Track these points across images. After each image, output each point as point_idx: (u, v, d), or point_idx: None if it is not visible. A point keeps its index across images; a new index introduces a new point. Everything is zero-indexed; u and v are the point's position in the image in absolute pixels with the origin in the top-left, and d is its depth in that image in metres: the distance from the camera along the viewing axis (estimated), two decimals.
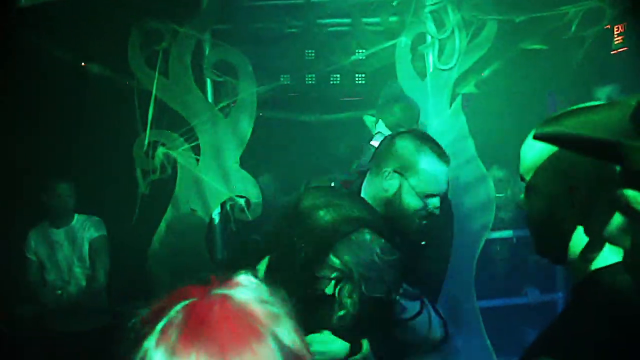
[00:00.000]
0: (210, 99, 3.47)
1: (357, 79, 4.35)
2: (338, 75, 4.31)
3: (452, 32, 3.73)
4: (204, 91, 3.45)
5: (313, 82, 4.29)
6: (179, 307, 0.82)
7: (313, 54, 4.24)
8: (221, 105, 3.42)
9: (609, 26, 4.19)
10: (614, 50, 4.69)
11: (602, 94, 4.11)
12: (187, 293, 0.85)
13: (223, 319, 0.80)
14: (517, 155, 1.22)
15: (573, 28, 3.49)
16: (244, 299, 0.84)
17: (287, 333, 0.83)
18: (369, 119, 4.24)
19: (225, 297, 0.84)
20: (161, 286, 3.25)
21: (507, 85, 4.31)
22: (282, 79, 4.27)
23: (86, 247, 3.63)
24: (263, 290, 0.88)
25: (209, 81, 3.48)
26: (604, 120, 0.79)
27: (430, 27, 3.76)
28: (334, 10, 4.00)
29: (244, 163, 3.46)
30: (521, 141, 1.27)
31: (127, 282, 3.48)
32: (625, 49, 4.63)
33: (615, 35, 4.62)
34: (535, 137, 0.86)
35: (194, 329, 0.78)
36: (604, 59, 4.58)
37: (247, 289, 0.87)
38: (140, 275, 3.41)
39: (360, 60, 4.20)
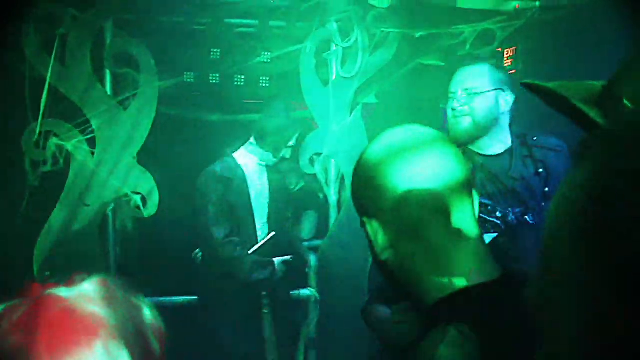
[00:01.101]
0: (109, 91, 3.36)
1: (261, 81, 4.35)
2: (243, 77, 4.29)
3: (356, 41, 3.85)
4: (102, 82, 3.34)
5: (217, 81, 4.24)
6: (2, 306, 0.80)
7: (219, 53, 4.21)
8: (120, 98, 3.32)
9: (500, 49, 4.46)
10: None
11: None
12: (23, 292, 0.83)
13: (47, 320, 0.78)
14: None
15: (467, 47, 3.70)
16: (74, 300, 0.82)
17: (116, 337, 0.81)
18: None
19: (54, 298, 0.82)
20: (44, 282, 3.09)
21: (406, 97, 4.50)
22: (185, 76, 4.19)
23: None
24: (98, 292, 0.86)
25: (108, 72, 3.37)
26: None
27: (335, 35, 3.85)
28: (242, 11, 4.00)
29: (141, 159, 3.38)
30: None
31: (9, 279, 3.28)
32: (513, 71, 4.97)
33: (505, 58, 4.94)
34: (522, 84, 0.92)
35: (17, 329, 0.76)
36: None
37: (81, 290, 0.85)
38: (23, 273, 3.23)
39: (265, 63, 4.23)
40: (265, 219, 3.63)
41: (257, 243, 3.49)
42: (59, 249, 3.10)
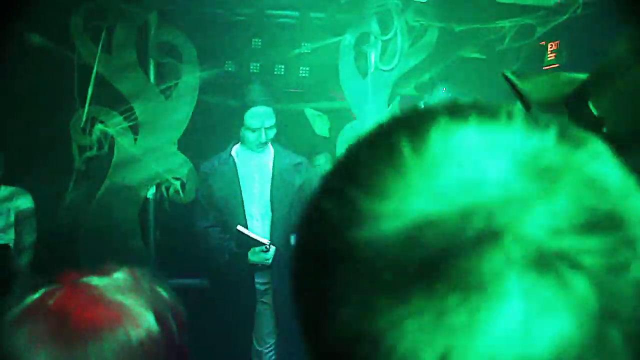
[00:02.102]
0: (152, 80, 3.48)
1: (301, 71, 4.41)
2: (282, 66, 4.36)
3: (395, 34, 3.87)
4: (146, 71, 3.46)
5: (257, 70, 4.32)
6: (39, 293, 0.86)
7: (260, 43, 4.28)
8: (163, 86, 3.44)
9: (543, 42, 4.40)
10: (546, 66, 4.95)
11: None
12: (61, 278, 0.89)
13: (78, 306, 0.83)
14: None
15: (507, 40, 3.68)
16: (104, 288, 0.88)
17: (142, 327, 0.86)
18: (310, 112, 4.34)
19: (86, 285, 0.87)
20: (89, 264, 3.25)
21: (446, 90, 4.49)
22: (226, 65, 4.29)
23: (12, 218, 3.57)
24: (126, 281, 0.91)
25: (152, 62, 3.49)
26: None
27: (375, 27, 3.88)
28: (283, 2, 4.07)
29: (181, 146, 3.49)
30: None
31: (55, 258, 3.46)
32: (556, 65, 4.89)
33: (549, 52, 4.87)
34: (504, 74, 0.94)
35: (49, 315, 0.82)
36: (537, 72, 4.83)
37: (111, 279, 0.91)
38: (68, 252, 3.40)
39: (305, 54, 4.29)
40: (266, 209, 3.37)
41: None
42: (102, 232, 3.25)
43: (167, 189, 3.39)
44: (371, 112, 3.93)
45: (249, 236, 3.19)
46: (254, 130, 3.26)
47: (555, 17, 3.57)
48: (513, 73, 0.96)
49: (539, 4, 3.56)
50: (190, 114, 3.49)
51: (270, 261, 3.25)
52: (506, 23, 3.68)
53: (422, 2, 3.74)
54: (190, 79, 3.47)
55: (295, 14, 4.12)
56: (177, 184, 3.38)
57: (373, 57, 3.91)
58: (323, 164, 4.34)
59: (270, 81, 4.42)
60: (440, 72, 4.26)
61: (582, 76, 0.92)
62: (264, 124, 3.27)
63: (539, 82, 0.93)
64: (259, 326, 3.37)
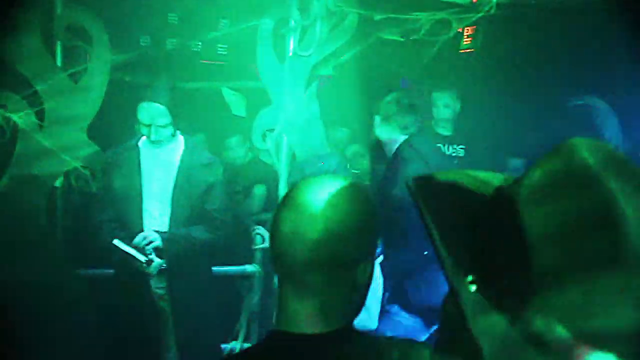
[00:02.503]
0: (59, 63, 3.32)
1: (219, 49, 4.33)
2: (200, 43, 4.26)
3: (315, 19, 3.83)
4: (53, 54, 3.29)
5: (174, 47, 4.21)
6: None
7: (176, 19, 4.16)
8: (71, 70, 3.29)
9: (460, 29, 4.49)
10: (462, 50, 5.07)
11: (440, 99, 4.48)
12: None
13: None
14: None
15: (422, 32, 3.74)
16: None
17: None
18: (226, 91, 4.28)
19: None
20: None
21: (364, 70, 4.54)
22: (141, 41, 4.14)
23: None
24: None
25: (59, 44, 3.32)
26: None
27: (295, 12, 3.82)
28: None
29: (92, 132, 3.38)
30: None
31: None
32: (471, 50, 5.03)
33: (465, 37, 4.99)
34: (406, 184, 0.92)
35: None
36: (453, 57, 4.95)
37: None
38: None
39: (223, 30, 4.20)
40: (165, 206, 3.20)
41: (141, 230, 3.14)
42: (6, 224, 3.14)
43: (76, 178, 3.28)
44: (288, 96, 3.92)
45: (125, 251, 3.05)
46: (145, 125, 3.11)
47: (469, 14, 3.64)
48: (415, 182, 0.95)
49: (454, 0, 3.62)
50: (101, 99, 3.36)
51: (154, 272, 3.14)
52: (423, 15, 3.73)
53: None
54: (101, 62, 3.33)
55: None
56: (87, 173, 3.28)
57: (292, 42, 3.87)
58: (235, 146, 4.32)
59: (186, 57, 4.33)
60: (359, 53, 4.28)
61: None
62: (154, 121, 3.08)
63: (442, 196, 0.92)
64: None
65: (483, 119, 4.63)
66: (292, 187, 1.21)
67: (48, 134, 3.27)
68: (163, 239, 3.12)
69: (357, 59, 4.34)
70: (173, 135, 3.22)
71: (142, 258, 3.04)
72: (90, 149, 3.34)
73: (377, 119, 3.35)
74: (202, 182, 3.21)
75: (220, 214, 3.25)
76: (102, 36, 3.33)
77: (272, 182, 4.04)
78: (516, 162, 4.25)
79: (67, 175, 3.34)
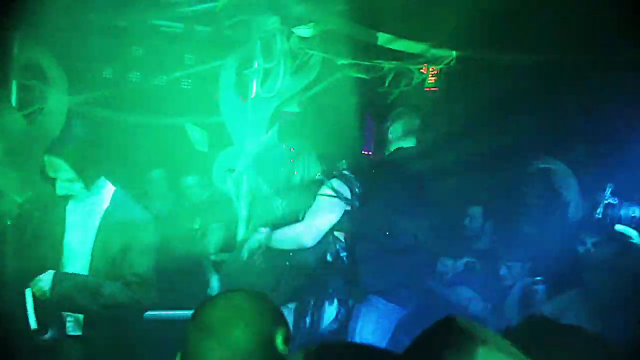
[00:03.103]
0: (14, 103, 3.27)
1: (183, 83, 4.31)
2: (164, 77, 4.24)
3: (279, 61, 3.83)
4: (7, 93, 3.25)
5: (137, 79, 4.17)
6: None
7: (140, 51, 4.13)
8: (27, 111, 3.25)
9: (424, 69, 4.54)
10: (427, 88, 5.12)
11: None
12: None
13: None
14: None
15: (386, 83, 3.77)
16: None
17: None
18: (189, 127, 4.25)
19: None
20: None
21: (330, 105, 4.56)
22: (104, 73, 4.10)
23: None
24: None
25: (14, 83, 3.27)
26: None
27: (258, 53, 3.82)
28: (168, 12, 3.92)
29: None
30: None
31: None
32: (435, 89, 5.09)
33: (430, 75, 5.04)
34: None
35: None
36: (417, 95, 4.99)
37: None
38: None
39: (188, 66, 4.18)
40: (85, 258, 3.03)
41: None
42: None
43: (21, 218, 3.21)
44: (250, 137, 3.91)
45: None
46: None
47: (430, 66, 3.70)
48: None
49: (418, 52, 3.66)
50: (56, 136, 3.31)
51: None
52: (386, 64, 3.77)
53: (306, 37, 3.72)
54: (58, 102, 3.28)
55: (180, 25, 3.98)
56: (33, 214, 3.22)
57: (255, 83, 3.86)
58: (193, 184, 4.30)
59: (149, 91, 4.30)
60: (325, 88, 4.30)
61: None
62: (57, 175, 2.96)
63: None
64: None
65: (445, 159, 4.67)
66: (198, 307, 1.30)
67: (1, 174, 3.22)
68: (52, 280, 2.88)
69: (323, 94, 4.36)
70: (88, 189, 3.05)
71: (33, 324, 2.82)
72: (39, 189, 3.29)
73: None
74: (120, 243, 3.01)
75: (137, 277, 3.00)
76: (60, 75, 3.29)
77: (231, 221, 4.02)
78: (475, 210, 4.31)
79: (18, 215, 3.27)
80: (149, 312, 3.27)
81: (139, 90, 4.12)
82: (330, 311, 3.55)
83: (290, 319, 3.39)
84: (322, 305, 3.53)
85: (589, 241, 3.30)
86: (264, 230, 3.51)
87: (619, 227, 2.49)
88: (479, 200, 4.27)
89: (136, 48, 4.09)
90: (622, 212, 2.55)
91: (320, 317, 3.49)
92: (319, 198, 3.52)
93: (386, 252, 3.67)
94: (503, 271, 3.99)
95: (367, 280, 3.59)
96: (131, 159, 4.22)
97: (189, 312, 3.52)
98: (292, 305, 3.48)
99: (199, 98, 4.29)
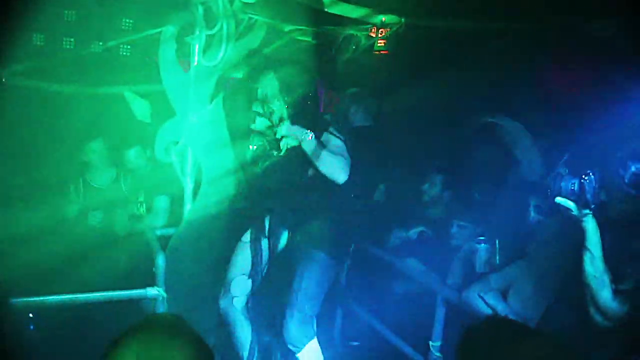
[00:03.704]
0: None
1: (122, 50, 4.08)
2: (101, 43, 4.00)
3: (221, 28, 3.66)
4: None
5: (72, 46, 3.93)
6: None
7: (73, 16, 3.88)
8: None
9: (373, 32, 4.43)
10: (376, 51, 5.03)
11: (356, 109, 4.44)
12: None
13: None
14: None
15: (333, 50, 3.66)
16: None
17: None
18: (130, 96, 4.08)
19: None
20: None
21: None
22: (34, 39, 3.85)
23: None
24: None
25: None
26: None
27: (200, 19, 3.63)
28: None
29: None
30: None
31: None
32: (385, 52, 4.99)
33: (379, 39, 4.93)
34: None
35: None
36: (367, 58, 4.90)
37: None
38: None
39: (126, 32, 3.97)
40: None
41: None
42: None
43: None
44: (193, 107, 3.75)
45: None
46: None
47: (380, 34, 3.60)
48: None
49: (365, 19, 3.55)
50: None
51: None
52: (333, 30, 3.65)
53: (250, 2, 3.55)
54: None
55: None
56: None
57: (197, 50, 3.69)
58: (135, 157, 4.13)
59: (85, 58, 4.07)
60: (271, 54, 4.16)
61: None
62: None
63: None
64: None
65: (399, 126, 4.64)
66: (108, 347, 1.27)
67: None
68: None
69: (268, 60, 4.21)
70: None
71: None
72: None
73: None
74: None
75: None
76: None
77: (176, 194, 3.90)
78: (435, 177, 4.27)
79: None
80: (91, 294, 3.18)
81: (74, 58, 3.88)
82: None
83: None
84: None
85: (535, 206, 3.32)
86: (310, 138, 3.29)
87: (559, 199, 2.48)
88: (440, 166, 4.23)
89: (69, 12, 3.83)
90: (563, 184, 2.53)
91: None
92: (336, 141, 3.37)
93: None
94: (454, 229, 3.97)
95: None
96: (71, 130, 4.02)
97: (134, 292, 3.51)
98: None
99: (140, 66, 4.09)
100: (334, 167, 3.23)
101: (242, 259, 3.48)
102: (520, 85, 3.57)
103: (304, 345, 3.27)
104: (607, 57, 3.04)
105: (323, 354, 3.38)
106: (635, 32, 2.86)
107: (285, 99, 3.42)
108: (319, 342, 3.36)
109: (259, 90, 3.48)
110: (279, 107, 3.43)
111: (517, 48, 3.48)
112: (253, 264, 3.44)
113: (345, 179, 3.22)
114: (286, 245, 3.50)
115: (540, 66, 3.47)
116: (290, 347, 3.30)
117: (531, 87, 3.48)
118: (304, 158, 3.32)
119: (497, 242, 3.61)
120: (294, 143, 3.38)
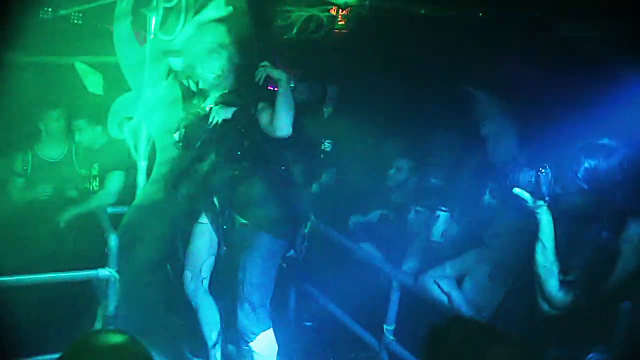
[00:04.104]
0: None
1: (73, 18, 3.90)
2: (50, 9, 3.81)
3: (180, 1, 3.53)
4: None
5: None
6: None
7: None
8: None
9: (333, 10, 4.38)
10: (337, 30, 4.97)
11: None
12: None
13: None
14: None
15: (294, 30, 3.59)
16: None
17: None
18: (80, 67, 3.93)
19: None
20: None
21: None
22: None
23: None
24: None
25: None
26: None
27: None
28: None
29: None
30: None
31: None
32: (346, 30, 4.95)
33: (340, 17, 4.88)
34: None
35: None
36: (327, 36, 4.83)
37: None
38: None
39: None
40: None
41: None
42: None
43: None
44: (147, 81, 3.62)
45: None
46: None
47: (342, 14, 3.54)
48: None
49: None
50: None
51: None
52: (294, 11, 3.57)
53: None
54: None
55: None
56: None
57: (153, 22, 3.55)
58: (85, 127, 3.96)
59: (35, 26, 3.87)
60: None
61: None
62: None
63: None
64: None
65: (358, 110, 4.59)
66: None
67: None
68: None
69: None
70: None
71: None
72: None
73: None
74: None
75: None
76: None
77: (130, 169, 3.79)
78: (402, 162, 4.26)
79: None
80: (37, 275, 3.09)
81: (21, 25, 3.68)
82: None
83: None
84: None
85: (491, 190, 3.35)
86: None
87: (515, 190, 2.51)
88: (406, 151, 4.20)
89: None
90: (521, 175, 2.57)
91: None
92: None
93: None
94: (411, 215, 3.98)
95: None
96: (20, 101, 3.84)
97: (84, 273, 3.41)
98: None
99: (92, 35, 3.92)
100: (288, 119, 3.14)
101: (207, 239, 3.42)
102: (480, 75, 3.57)
103: (256, 336, 3.25)
104: (573, 57, 3.07)
105: (276, 334, 3.36)
106: (604, 36, 2.90)
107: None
108: (272, 322, 3.35)
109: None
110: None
111: (480, 36, 3.47)
112: (218, 244, 3.41)
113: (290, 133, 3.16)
114: (233, 229, 3.43)
115: (501, 57, 3.47)
116: (243, 336, 3.29)
117: (491, 78, 3.47)
118: (236, 131, 3.26)
119: (455, 213, 3.63)
120: (224, 116, 3.31)
